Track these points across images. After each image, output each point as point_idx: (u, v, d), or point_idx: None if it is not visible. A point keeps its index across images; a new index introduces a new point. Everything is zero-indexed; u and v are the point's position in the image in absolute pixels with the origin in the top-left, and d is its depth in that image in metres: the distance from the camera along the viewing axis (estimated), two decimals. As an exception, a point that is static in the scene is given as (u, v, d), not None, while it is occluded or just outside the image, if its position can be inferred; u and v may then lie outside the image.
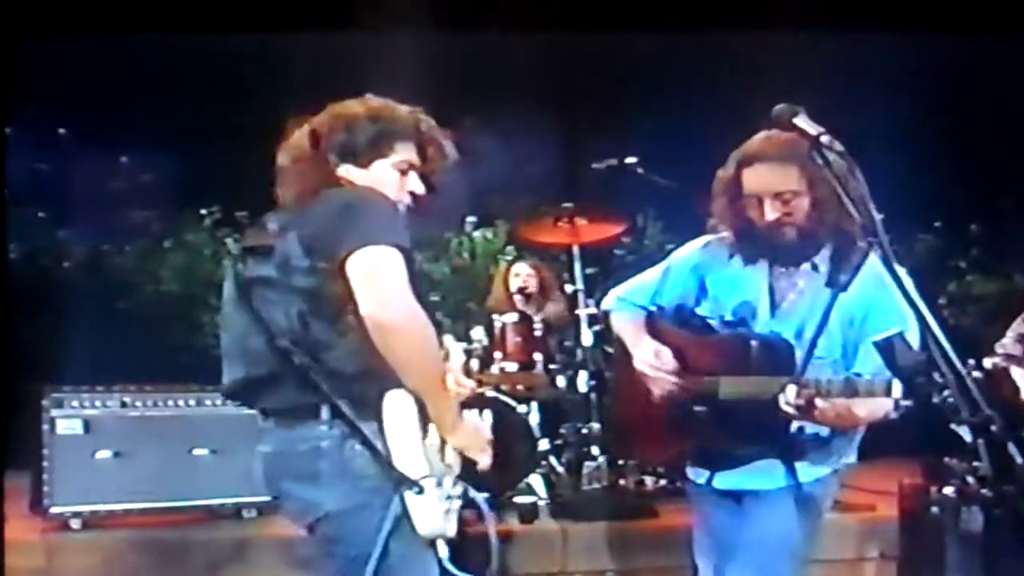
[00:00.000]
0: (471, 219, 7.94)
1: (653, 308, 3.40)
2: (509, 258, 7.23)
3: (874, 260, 3.00)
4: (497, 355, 5.70)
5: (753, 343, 3.06)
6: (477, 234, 7.98)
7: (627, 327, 3.41)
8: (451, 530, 2.64)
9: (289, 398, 2.60)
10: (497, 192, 7.58)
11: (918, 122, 7.38)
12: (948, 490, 4.36)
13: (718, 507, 3.27)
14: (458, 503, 2.67)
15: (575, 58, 7.77)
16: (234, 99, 7.09)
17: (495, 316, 5.85)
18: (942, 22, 7.42)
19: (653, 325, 3.37)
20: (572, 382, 5.67)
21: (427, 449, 2.62)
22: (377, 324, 2.44)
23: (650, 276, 3.43)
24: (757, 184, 3.03)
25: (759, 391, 2.93)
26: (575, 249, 5.81)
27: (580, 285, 5.71)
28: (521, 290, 6.22)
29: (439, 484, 2.59)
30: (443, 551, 2.61)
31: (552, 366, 5.73)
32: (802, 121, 2.49)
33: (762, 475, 3.14)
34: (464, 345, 3.35)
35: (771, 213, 3.01)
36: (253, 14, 7.21)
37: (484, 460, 2.75)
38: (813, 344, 2.94)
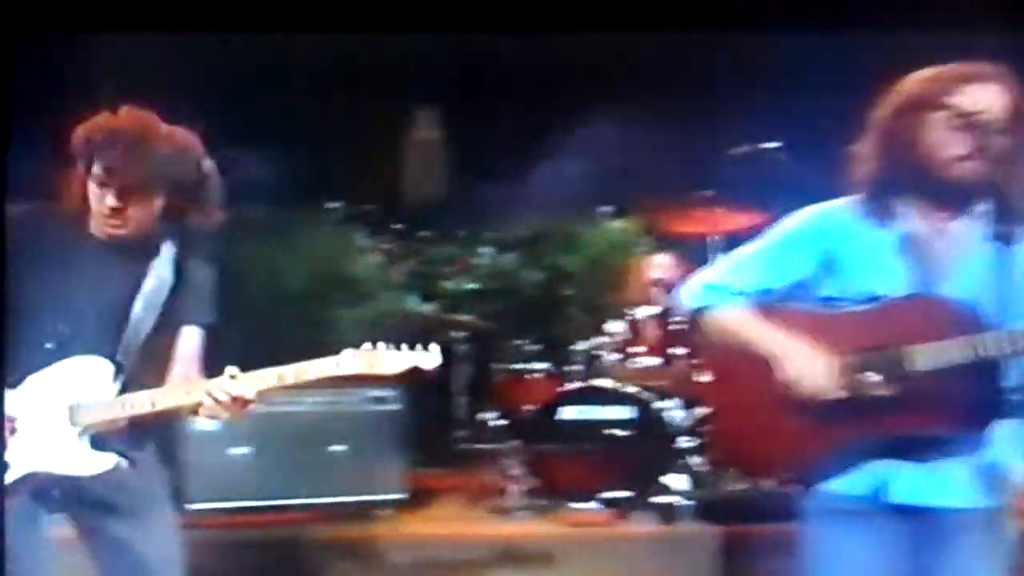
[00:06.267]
0: (605, 209, 7.75)
1: (757, 294, 2.70)
2: (645, 249, 7.05)
3: None
4: (634, 349, 5.53)
5: (927, 304, 2.49)
6: (611, 225, 7.77)
7: (749, 327, 2.66)
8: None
9: None
10: (631, 182, 7.37)
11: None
12: None
13: (871, 525, 2.59)
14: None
15: (709, 47, 7.55)
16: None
17: (632, 309, 5.67)
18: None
19: (769, 314, 2.66)
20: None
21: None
22: None
23: (751, 254, 2.75)
24: (974, 105, 2.45)
25: (958, 356, 2.38)
26: (713, 239, 5.63)
27: (719, 276, 5.50)
28: (659, 282, 6.03)
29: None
30: None
31: (694, 361, 5.51)
32: None
33: (954, 486, 2.50)
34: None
35: (978, 140, 2.44)
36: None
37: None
38: (993, 306, 2.42)
